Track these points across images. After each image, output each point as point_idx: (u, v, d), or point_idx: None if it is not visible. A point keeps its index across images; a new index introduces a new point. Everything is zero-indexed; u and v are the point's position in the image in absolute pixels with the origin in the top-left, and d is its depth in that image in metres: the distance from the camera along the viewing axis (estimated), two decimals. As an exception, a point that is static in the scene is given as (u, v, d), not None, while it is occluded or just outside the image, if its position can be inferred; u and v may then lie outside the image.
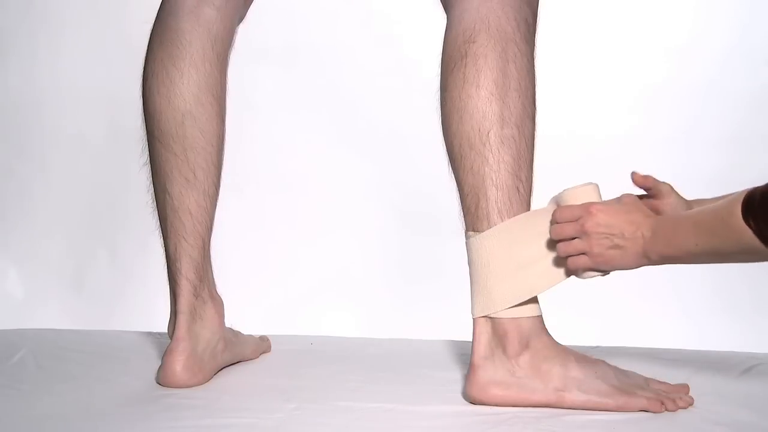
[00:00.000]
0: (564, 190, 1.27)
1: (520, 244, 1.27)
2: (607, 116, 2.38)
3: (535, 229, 1.27)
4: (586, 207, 1.22)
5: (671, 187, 1.28)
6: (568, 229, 1.23)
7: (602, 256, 1.21)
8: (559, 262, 1.26)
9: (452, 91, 1.30)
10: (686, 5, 2.41)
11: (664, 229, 1.18)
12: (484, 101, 1.28)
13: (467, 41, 1.30)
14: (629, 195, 1.25)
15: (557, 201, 1.28)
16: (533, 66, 1.33)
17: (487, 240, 1.27)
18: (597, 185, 1.28)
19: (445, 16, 1.38)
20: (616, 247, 1.20)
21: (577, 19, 2.36)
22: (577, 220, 1.22)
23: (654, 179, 1.27)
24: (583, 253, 1.22)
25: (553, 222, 1.25)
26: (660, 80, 2.38)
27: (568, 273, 1.27)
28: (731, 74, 2.32)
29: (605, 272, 1.25)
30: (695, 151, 2.31)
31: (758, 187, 1.07)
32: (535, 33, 1.35)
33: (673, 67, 2.38)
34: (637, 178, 1.27)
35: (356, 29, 2.44)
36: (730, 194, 1.16)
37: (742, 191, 1.09)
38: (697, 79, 2.35)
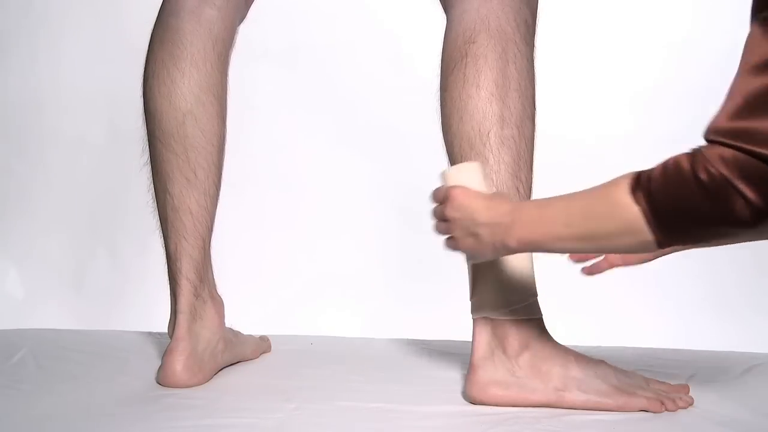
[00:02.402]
0: (446, 169, 1.25)
1: None
2: (607, 116, 2.38)
3: None
4: (449, 190, 1.17)
5: None
6: (437, 211, 1.20)
7: (461, 243, 1.16)
8: None
9: (452, 92, 1.30)
10: (686, 5, 2.41)
11: (527, 213, 1.11)
12: (484, 101, 1.28)
13: (467, 42, 1.30)
14: None
15: (441, 179, 1.26)
16: (533, 66, 1.33)
17: None
18: (480, 164, 1.24)
19: (445, 16, 1.38)
20: (472, 234, 1.15)
21: (576, 20, 2.36)
22: (442, 202, 1.19)
23: None
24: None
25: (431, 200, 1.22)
26: (659, 80, 2.38)
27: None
28: (731, 75, 2.32)
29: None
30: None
31: (653, 167, 0.99)
32: (534, 34, 1.36)
33: (672, 67, 2.38)
34: None
35: (356, 29, 2.44)
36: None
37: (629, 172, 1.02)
38: (698, 79, 2.34)
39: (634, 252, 1.05)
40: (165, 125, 1.39)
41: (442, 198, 1.19)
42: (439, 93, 1.33)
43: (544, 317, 1.30)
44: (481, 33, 1.30)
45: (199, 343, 1.39)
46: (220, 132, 1.42)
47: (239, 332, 1.55)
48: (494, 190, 1.26)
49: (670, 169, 0.97)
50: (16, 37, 2.53)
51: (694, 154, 0.95)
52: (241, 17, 1.49)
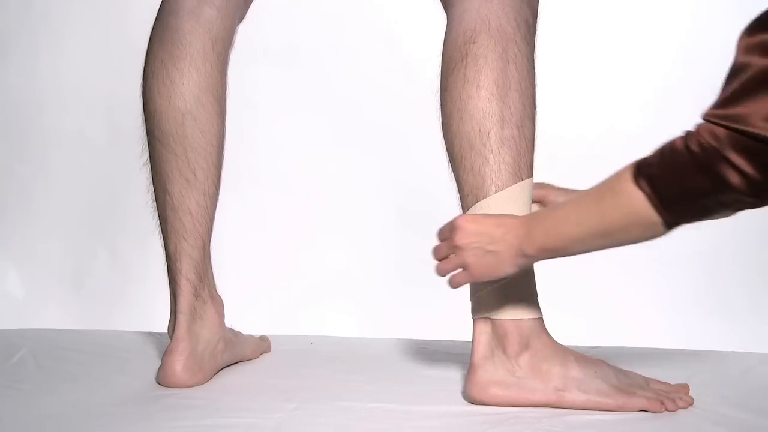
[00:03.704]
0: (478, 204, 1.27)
1: None
2: (607, 116, 2.38)
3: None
4: (453, 221, 1.20)
5: (556, 190, 1.28)
6: (443, 248, 1.22)
7: (478, 266, 1.18)
8: None
9: (453, 92, 1.30)
10: (688, 5, 2.40)
11: (538, 221, 1.14)
12: (484, 101, 1.28)
13: (468, 42, 1.30)
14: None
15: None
16: (533, 66, 1.33)
17: None
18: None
19: (445, 16, 1.38)
20: (489, 253, 1.17)
21: (577, 19, 2.36)
22: (448, 237, 1.20)
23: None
24: (462, 268, 1.20)
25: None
26: (662, 80, 2.38)
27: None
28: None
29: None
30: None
31: (651, 153, 1.04)
32: (535, 33, 1.35)
33: (674, 66, 2.38)
34: None
35: (356, 29, 2.44)
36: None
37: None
38: (701, 79, 2.34)
39: (647, 240, 1.08)
40: (164, 125, 1.39)
41: (448, 231, 1.21)
42: (439, 93, 1.33)
43: (544, 317, 1.30)
44: (482, 33, 1.30)
45: (199, 343, 1.39)
46: (219, 132, 1.42)
47: (239, 332, 1.55)
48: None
49: (666, 151, 1.03)
50: (17, 37, 2.53)
51: (687, 133, 1.01)
52: (241, 17, 1.49)
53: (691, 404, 1.25)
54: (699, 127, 1.00)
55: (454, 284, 1.23)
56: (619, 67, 2.40)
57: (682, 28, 2.39)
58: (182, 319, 1.38)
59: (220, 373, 1.44)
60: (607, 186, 1.08)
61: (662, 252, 2.16)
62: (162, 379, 1.36)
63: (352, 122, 2.45)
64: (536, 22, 1.36)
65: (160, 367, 1.37)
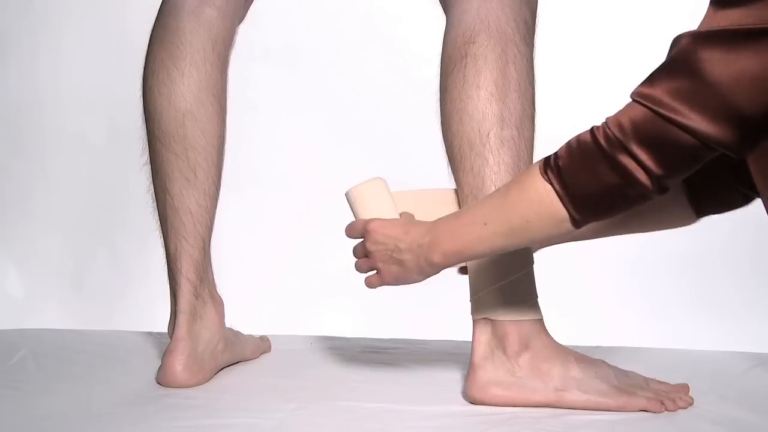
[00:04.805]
0: (348, 191, 1.25)
1: None
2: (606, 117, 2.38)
3: None
4: (366, 224, 1.19)
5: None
6: (359, 250, 1.21)
7: (387, 273, 1.18)
8: None
9: (452, 92, 1.30)
10: (687, 5, 2.40)
11: (443, 226, 1.13)
12: (484, 102, 1.28)
13: (467, 42, 1.30)
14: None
15: (349, 204, 1.26)
16: (532, 67, 1.33)
17: None
18: (383, 180, 1.25)
19: (445, 16, 1.38)
20: (395, 262, 1.16)
21: (576, 19, 2.37)
22: (362, 238, 1.19)
23: None
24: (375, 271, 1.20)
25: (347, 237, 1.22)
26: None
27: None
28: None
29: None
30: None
31: (558, 149, 1.04)
32: (534, 34, 1.35)
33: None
34: None
35: (356, 29, 2.44)
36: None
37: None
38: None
39: (554, 238, 1.08)
40: (164, 125, 1.39)
41: (358, 233, 1.20)
42: (438, 93, 1.33)
43: (544, 317, 1.30)
44: (481, 33, 1.30)
45: (199, 344, 1.39)
46: (219, 132, 1.42)
47: (239, 332, 1.55)
48: (399, 206, 1.26)
49: (573, 144, 1.02)
50: (17, 36, 2.53)
51: (595, 126, 1.01)
52: (241, 17, 1.49)
53: (691, 404, 1.25)
54: (608, 119, 1.00)
55: (368, 285, 1.22)
56: (618, 67, 2.40)
57: (681, 28, 2.39)
58: (182, 319, 1.38)
59: (220, 373, 1.44)
60: (516, 181, 1.07)
61: (662, 253, 2.17)
62: (162, 379, 1.36)
63: (352, 122, 2.45)
64: (535, 23, 1.36)
65: (160, 367, 1.37)
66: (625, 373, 1.29)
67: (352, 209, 1.27)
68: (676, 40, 0.99)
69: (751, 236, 2.24)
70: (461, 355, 1.52)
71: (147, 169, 1.44)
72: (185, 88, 1.38)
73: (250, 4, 1.51)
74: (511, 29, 1.30)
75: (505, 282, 1.27)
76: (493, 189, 1.27)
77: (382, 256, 1.17)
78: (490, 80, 1.28)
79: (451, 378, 1.40)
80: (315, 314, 2.30)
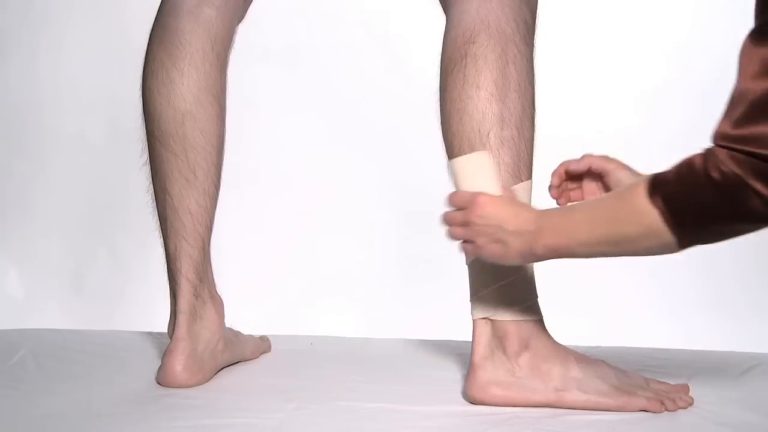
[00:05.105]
0: (453, 160, 1.25)
1: None
2: (607, 116, 2.38)
3: None
4: (474, 197, 1.18)
5: (618, 164, 1.22)
6: (457, 217, 1.20)
7: (485, 249, 1.17)
8: None
9: (452, 92, 1.30)
10: (686, 4, 2.41)
11: (552, 220, 1.13)
12: (484, 102, 1.28)
13: (467, 42, 1.30)
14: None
15: (451, 173, 1.26)
16: (532, 67, 1.33)
17: None
18: (488, 154, 1.25)
19: (445, 16, 1.38)
20: (499, 241, 1.16)
21: (576, 19, 2.36)
22: (466, 208, 1.19)
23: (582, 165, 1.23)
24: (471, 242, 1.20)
25: (449, 205, 1.22)
26: (660, 80, 2.38)
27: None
28: (732, 74, 2.31)
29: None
30: (697, 151, 2.30)
31: (667, 170, 1.03)
32: (534, 34, 1.35)
33: (672, 67, 2.38)
34: (554, 180, 1.24)
35: (356, 29, 2.44)
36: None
37: (645, 176, 1.06)
38: (698, 79, 2.34)
39: (657, 254, 1.07)
40: (164, 125, 1.39)
41: (463, 203, 1.19)
42: (438, 93, 1.33)
43: (544, 317, 1.30)
44: (481, 33, 1.30)
45: (199, 344, 1.39)
46: (219, 132, 1.42)
47: (239, 332, 1.55)
48: (501, 180, 1.26)
49: (684, 170, 1.00)
50: (17, 36, 2.53)
51: (707, 155, 0.98)
52: (240, 17, 1.49)
53: (691, 404, 1.25)
54: (718, 152, 0.97)
55: (463, 251, 1.22)
56: (618, 67, 2.41)
57: (681, 28, 2.39)
58: (182, 319, 1.38)
59: (220, 373, 1.44)
60: (622, 198, 1.07)
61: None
62: (162, 379, 1.36)
63: (352, 122, 2.45)
64: (535, 23, 1.36)
65: (160, 367, 1.37)
66: (625, 373, 1.29)
67: (455, 179, 1.26)
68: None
69: (752, 235, 2.24)
70: (461, 355, 1.52)
71: (147, 169, 1.44)
72: (184, 88, 1.38)
73: (250, 4, 1.51)
74: (511, 29, 1.30)
75: (505, 282, 1.27)
76: (500, 180, 1.26)
77: (486, 230, 1.17)
78: (490, 80, 1.28)
79: (451, 378, 1.40)
80: (315, 314, 2.30)
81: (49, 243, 2.51)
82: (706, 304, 2.29)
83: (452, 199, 1.22)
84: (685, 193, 1.00)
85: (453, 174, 1.26)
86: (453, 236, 1.21)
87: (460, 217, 1.19)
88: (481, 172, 1.23)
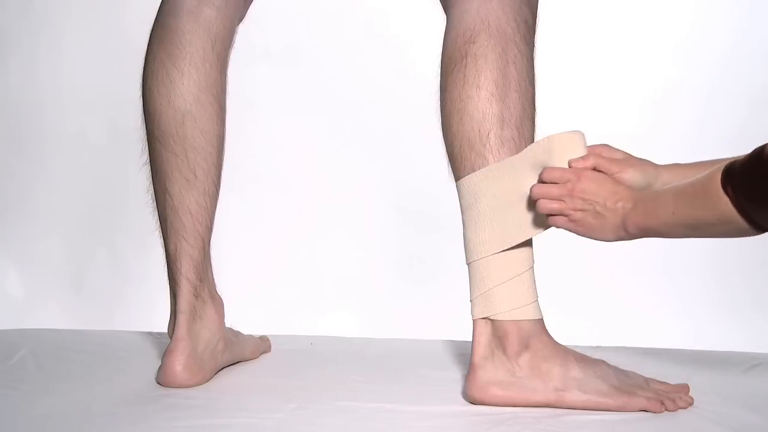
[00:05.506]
0: (550, 138, 1.26)
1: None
2: (607, 116, 2.38)
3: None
4: (578, 172, 1.22)
5: (628, 158, 1.26)
6: (555, 191, 1.22)
7: (582, 223, 1.22)
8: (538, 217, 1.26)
9: (452, 92, 1.30)
10: (688, 5, 2.40)
11: (644, 201, 1.18)
12: (484, 102, 1.28)
13: (467, 42, 1.30)
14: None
15: (544, 148, 1.26)
16: (533, 67, 1.33)
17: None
18: (583, 133, 1.27)
19: (445, 16, 1.38)
20: (597, 215, 1.21)
21: (576, 19, 2.36)
22: (565, 183, 1.22)
23: (598, 159, 1.25)
24: (562, 214, 1.23)
25: (541, 180, 1.24)
26: (663, 81, 2.38)
27: (546, 227, 1.26)
28: (735, 74, 2.32)
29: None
30: (699, 151, 2.30)
31: (738, 158, 1.07)
32: (534, 34, 1.35)
33: (675, 67, 2.38)
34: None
35: (356, 29, 2.44)
36: (713, 160, 1.17)
37: (725, 160, 1.09)
38: (701, 80, 2.34)
39: (737, 237, 1.11)
40: (164, 125, 1.39)
41: (562, 178, 1.22)
42: (439, 93, 1.33)
43: (544, 317, 1.30)
44: (481, 33, 1.30)
45: (199, 343, 1.39)
46: (219, 132, 1.42)
47: (239, 332, 1.55)
48: None
49: (754, 159, 1.05)
50: (17, 36, 2.53)
51: None
52: (240, 17, 1.49)
53: (691, 404, 1.25)
54: None
55: (553, 224, 1.24)
56: (618, 67, 2.41)
57: (681, 28, 2.39)
58: (182, 319, 1.38)
59: (220, 373, 1.44)
60: (701, 184, 1.10)
61: (663, 252, 2.17)
62: (162, 379, 1.36)
63: (352, 122, 2.45)
64: (536, 23, 1.36)
65: (160, 367, 1.37)
66: (625, 373, 1.29)
67: (548, 154, 1.25)
68: None
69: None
70: (461, 355, 1.52)
71: (147, 169, 1.44)
72: (184, 88, 1.38)
73: (250, 4, 1.51)
74: (512, 29, 1.30)
75: (505, 282, 1.27)
76: None
77: (585, 205, 1.21)
78: (491, 80, 1.28)
79: (451, 378, 1.40)
80: (315, 314, 2.30)
81: (49, 243, 2.51)
82: (707, 304, 2.29)
83: (551, 173, 1.23)
84: (755, 181, 1.04)
85: (549, 149, 1.25)
86: (546, 209, 1.23)
87: (557, 190, 1.22)
88: (576, 151, 1.25)
